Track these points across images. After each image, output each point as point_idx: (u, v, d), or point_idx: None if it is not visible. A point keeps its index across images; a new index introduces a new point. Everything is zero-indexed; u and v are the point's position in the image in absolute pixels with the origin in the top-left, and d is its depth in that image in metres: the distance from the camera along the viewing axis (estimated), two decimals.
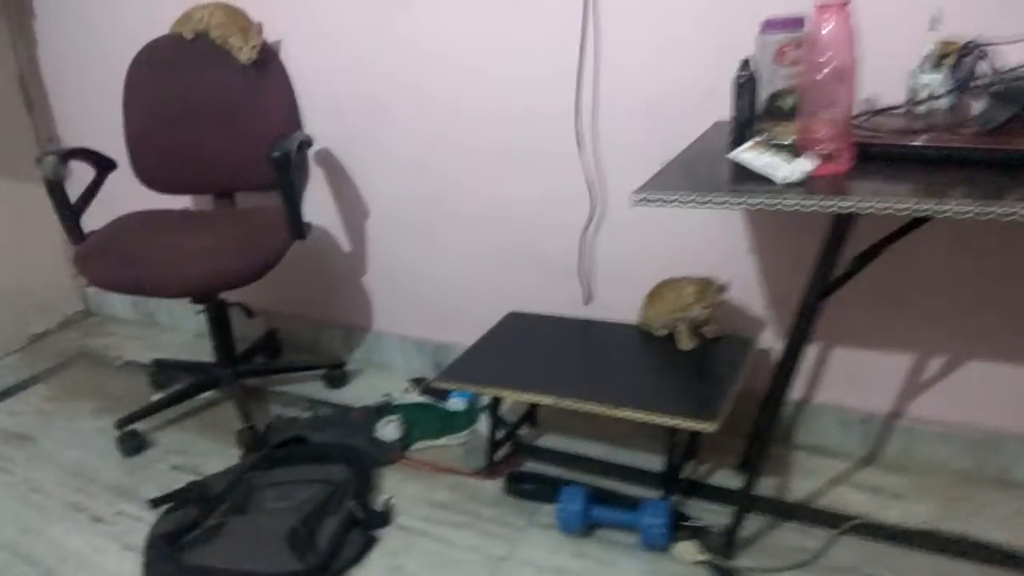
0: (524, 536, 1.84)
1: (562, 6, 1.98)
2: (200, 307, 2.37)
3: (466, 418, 2.26)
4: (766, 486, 1.93)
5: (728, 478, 1.98)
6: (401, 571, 1.76)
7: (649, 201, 1.29)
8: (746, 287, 2.03)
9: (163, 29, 2.46)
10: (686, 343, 1.95)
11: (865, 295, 1.89)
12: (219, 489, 1.99)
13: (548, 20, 2.01)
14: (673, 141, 1.92)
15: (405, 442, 2.20)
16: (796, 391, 2.06)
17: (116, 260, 2.13)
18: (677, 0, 1.85)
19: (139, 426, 2.33)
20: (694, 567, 1.70)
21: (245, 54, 2.31)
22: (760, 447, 1.66)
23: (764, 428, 1.62)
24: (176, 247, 2.15)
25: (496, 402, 2.03)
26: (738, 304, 2.05)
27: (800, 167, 1.29)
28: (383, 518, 1.92)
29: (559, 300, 2.30)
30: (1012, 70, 1.43)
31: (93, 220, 2.34)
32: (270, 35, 2.39)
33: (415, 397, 2.41)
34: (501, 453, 2.12)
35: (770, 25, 1.53)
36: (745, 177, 1.33)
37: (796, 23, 1.50)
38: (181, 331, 3.10)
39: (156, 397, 2.49)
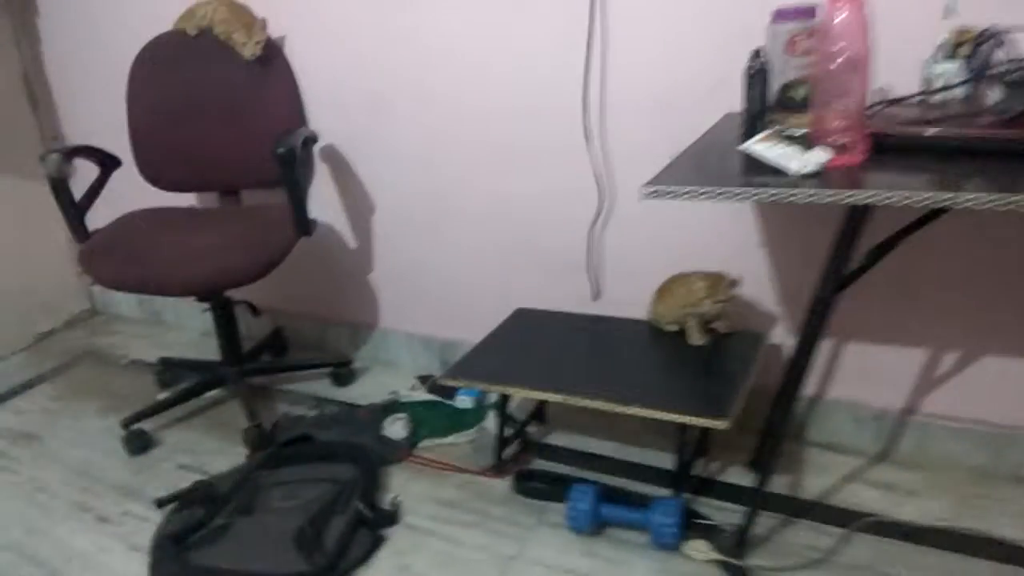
0: (533, 535, 1.82)
1: (567, 2, 1.96)
2: (206, 306, 2.36)
3: (474, 416, 2.24)
4: (779, 483, 1.91)
5: (740, 475, 1.95)
6: (409, 571, 1.75)
7: (660, 194, 1.27)
8: (757, 281, 2.00)
9: (167, 26, 2.44)
10: (697, 339, 1.93)
11: (878, 289, 1.86)
12: (225, 489, 1.98)
13: (553, 12, 1.99)
14: (682, 134, 1.89)
15: (412, 440, 2.18)
16: (809, 387, 2.04)
17: (121, 258, 2.11)
18: None
19: (145, 425, 2.32)
20: (706, 566, 1.68)
21: (249, 50, 2.29)
22: (773, 444, 1.64)
23: (777, 425, 1.60)
24: (181, 245, 2.14)
25: (504, 399, 2.01)
26: (749, 299, 2.03)
27: (814, 158, 1.27)
28: (391, 517, 1.90)
29: (567, 296, 2.28)
30: None
31: (98, 218, 2.32)
32: (274, 31, 2.37)
33: (422, 395, 2.39)
34: (509, 451, 2.10)
35: (781, 15, 1.50)
36: (757, 169, 1.31)
37: (808, 12, 1.47)
38: (187, 330, 3.09)
39: (162, 396, 2.48)
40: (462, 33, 2.13)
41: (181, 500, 1.99)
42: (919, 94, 1.51)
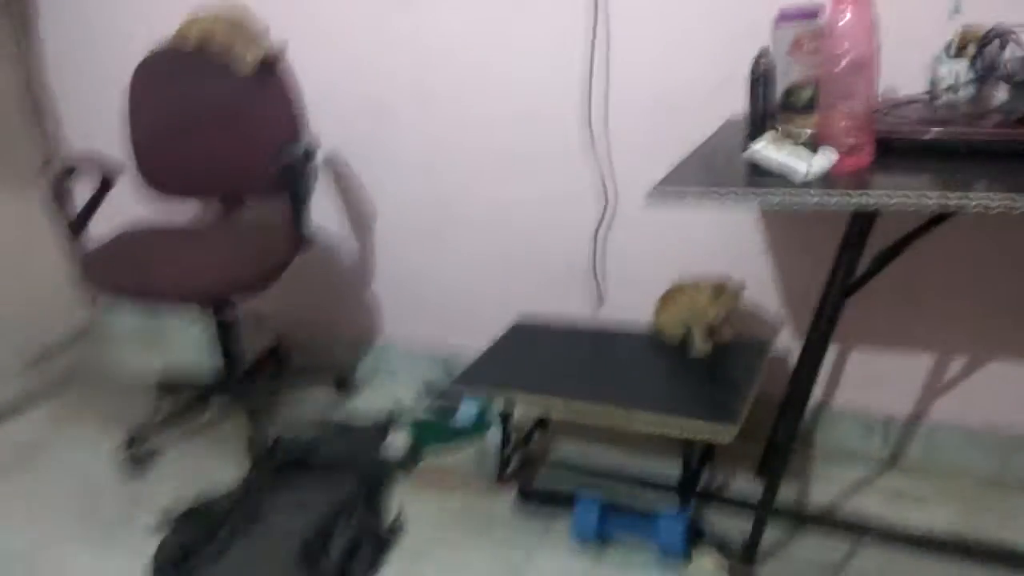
0: (538, 549, 1.79)
1: (569, 5, 1.95)
2: (207, 315, 2.33)
3: (476, 429, 2.22)
4: (785, 493, 1.88)
5: (745, 484, 1.93)
6: None
7: (667, 196, 1.25)
8: (761, 287, 1.98)
9: (167, 37, 2.42)
10: (701, 347, 1.90)
11: (883, 295, 1.84)
12: (226, 507, 1.96)
13: (554, 15, 1.98)
14: (686, 137, 1.88)
15: (415, 454, 2.16)
16: (815, 394, 2.01)
17: (121, 266, 2.11)
18: None
19: (145, 442, 2.29)
20: None
21: (249, 62, 2.28)
22: (779, 454, 1.61)
23: (784, 436, 1.58)
24: (182, 255, 2.14)
25: (508, 412, 1.98)
26: (752, 305, 2.01)
27: (820, 161, 1.25)
28: (394, 533, 1.88)
29: (570, 303, 2.26)
30: None
31: (97, 232, 2.30)
32: (274, 40, 2.35)
33: (425, 407, 2.37)
34: (513, 464, 2.07)
35: (785, 16, 1.49)
36: (763, 173, 1.29)
37: (812, 14, 1.46)
38: (187, 346, 3.06)
39: (162, 413, 2.45)
40: (462, 36, 2.12)
41: (181, 519, 1.96)
42: (925, 95, 1.50)
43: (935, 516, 1.77)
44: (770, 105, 1.52)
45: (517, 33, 2.05)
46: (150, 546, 1.89)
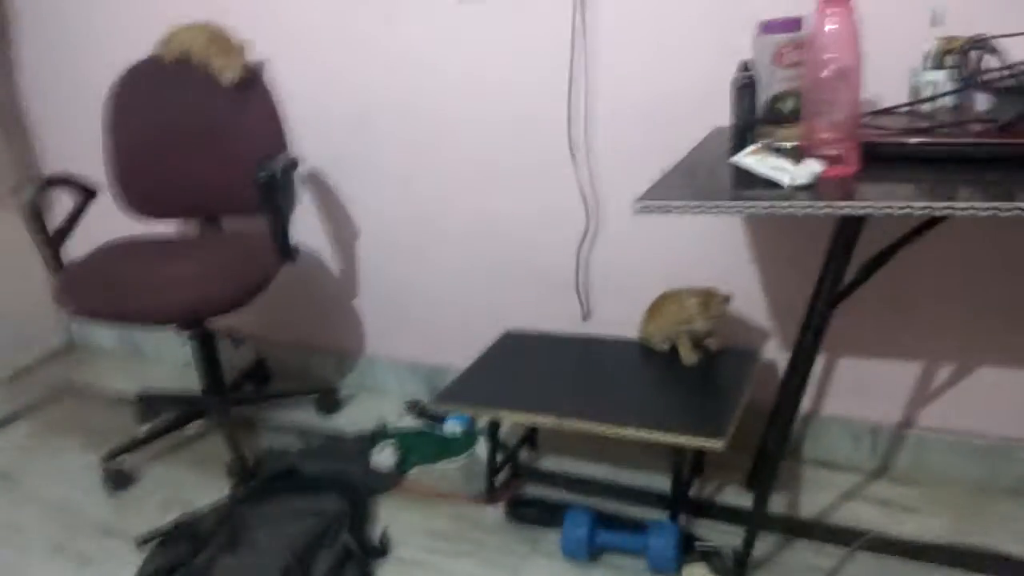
0: (528, 564, 1.78)
1: (549, 15, 1.95)
2: (187, 336, 2.30)
3: (464, 442, 2.20)
4: (776, 503, 1.88)
5: (736, 495, 1.92)
6: None
7: (652, 209, 1.24)
8: (748, 296, 1.98)
9: (145, 53, 2.40)
10: (689, 357, 1.90)
11: (871, 303, 1.84)
12: (209, 525, 1.93)
13: (536, 30, 1.98)
14: (670, 147, 1.87)
15: (401, 469, 2.14)
16: (803, 403, 2.01)
17: (97, 287, 2.07)
18: (669, 4, 1.82)
19: (125, 461, 2.26)
20: None
21: (229, 76, 2.26)
22: (769, 465, 1.60)
23: (774, 447, 1.57)
24: (160, 273, 2.10)
25: (495, 425, 1.97)
26: (739, 314, 2.00)
27: (807, 170, 1.25)
28: (380, 550, 1.85)
29: (556, 316, 2.25)
30: (1020, 64, 1.39)
31: (75, 249, 2.27)
32: (253, 56, 2.34)
33: (410, 422, 2.34)
34: (501, 478, 2.05)
35: (768, 27, 1.49)
36: (749, 182, 1.29)
37: (794, 24, 1.46)
38: (167, 362, 3.03)
39: (143, 430, 2.41)
40: (445, 50, 2.11)
41: (163, 538, 1.93)
42: (909, 103, 1.50)
43: (925, 524, 1.77)
44: (754, 115, 1.52)
45: (499, 48, 2.04)
46: (131, 569, 1.86)
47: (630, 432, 1.67)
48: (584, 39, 1.93)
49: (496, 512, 1.95)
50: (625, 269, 2.10)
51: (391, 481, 2.09)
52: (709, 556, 1.69)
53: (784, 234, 1.88)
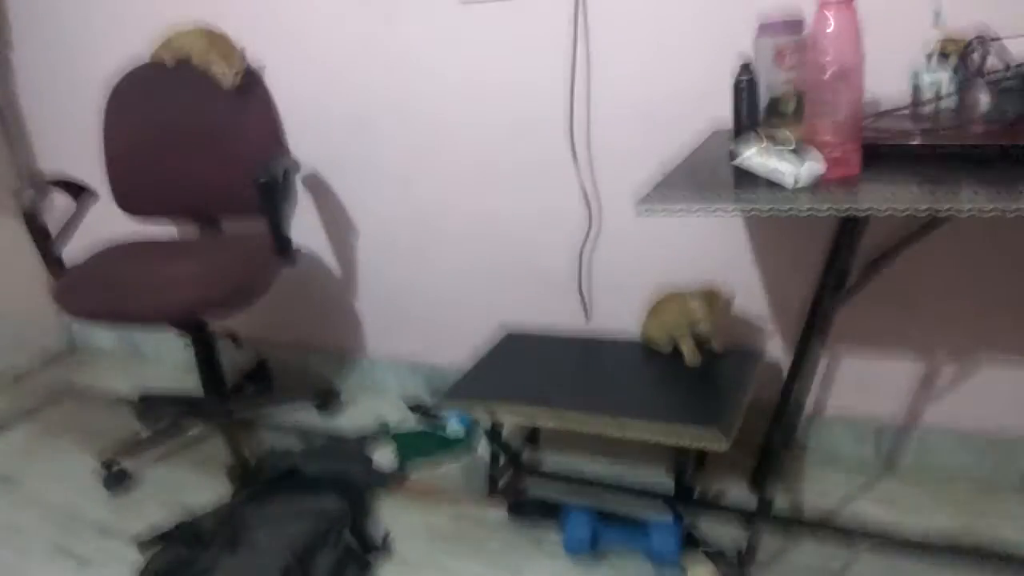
0: (530, 563, 1.78)
1: (550, 15, 1.94)
2: (187, 338, 2.30)
3: (465, 442, 2.20)
4: (780, 502, 1.87)
5: (738, 493, 1.92)
6: None
7: (654, 211, 1.24)
8: (749, 295, 1.98)
9: (143, 56, 2.40)
10: (692, 358, 1.89)
11: (874, 300, 1.83)
12: (209, 526, 1.93)
13: (536, 30, 1.98)
14: (671, 147, 1.88)
15: (403, 469, 2.13)
16: (807, 402, 2.01)
17: (97, 289, 2.07)
18: (669, 5, 1.81)
19: (126, 463, 2.26)
20: None
21: (228, 80, 2.25)
22: (772, 464, 1.60)
23: (778, 443, 1.57)
24: (160, 274, 2.10)
25: (497, 425, 1.97)
26: (741, 313, 2.00)
27: (809, 170, 1.25)
28: (381, 549, 1.85)
29: (557, 315, 2.24)
30: (1022, 64, 1.39)
31: (75, 251, 2.27)
32: (252, 58, 2.34)
33: (412, 422, 2.34)
34: (503, 477, 2.05)
35: (767, 28, 1.48)
36: (750, 183, 1.29)
37: (794, 24, 1.46)
38: (168, 364, 3.03)
39: (143, 432, 2.41)
40: (444, 51, 2.11)
41: (164, 540, 1.93)
42: (911, 104, 1.50)
43: (930, 521, 1.77)
44: (756, 116, 1.51)
45: (500, 49, 2.04)
46: (131, 571, 1.87)
47: (633, 432, 1.67)
48: (585, 39, 1.93)
49: (498, 512, 1.95)
50: (626, 267, 2.10)
51: (392, 481, 2.09)
52: (712, 554, 1.69)
53: (786, 235, 1.88)
